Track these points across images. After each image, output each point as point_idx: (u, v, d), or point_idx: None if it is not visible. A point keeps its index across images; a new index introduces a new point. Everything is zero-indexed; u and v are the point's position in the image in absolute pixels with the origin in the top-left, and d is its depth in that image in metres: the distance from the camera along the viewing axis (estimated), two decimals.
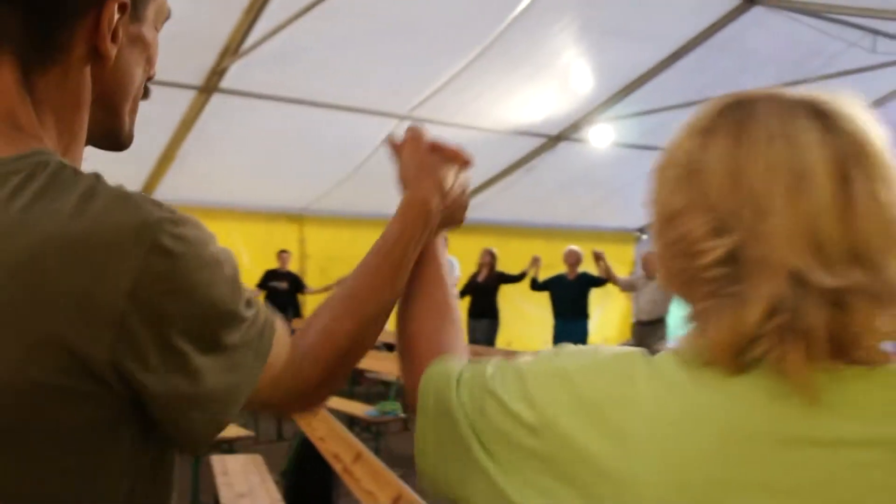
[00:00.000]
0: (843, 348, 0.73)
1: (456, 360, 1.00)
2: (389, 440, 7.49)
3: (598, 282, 9.99)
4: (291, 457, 5.67)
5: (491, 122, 9.77)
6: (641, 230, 14.78)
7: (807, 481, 0.70)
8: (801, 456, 0.71)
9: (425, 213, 1.13)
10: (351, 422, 6.84)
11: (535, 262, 10.27)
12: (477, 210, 13.08)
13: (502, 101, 9.28)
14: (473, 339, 10.42)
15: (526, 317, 11.71)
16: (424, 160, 1.18)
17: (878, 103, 11.54)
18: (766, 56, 9.71)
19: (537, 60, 8.53)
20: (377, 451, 6.38)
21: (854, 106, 0.84)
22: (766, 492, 0.70)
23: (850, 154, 0.76)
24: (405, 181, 1.18)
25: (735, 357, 0.74)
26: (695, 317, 0.81)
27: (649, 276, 9.73)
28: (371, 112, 9.23)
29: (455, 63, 8.53)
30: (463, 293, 10.75)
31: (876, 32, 9.12)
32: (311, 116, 8.88)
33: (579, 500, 0.75)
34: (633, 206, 13.51)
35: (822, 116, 0.79)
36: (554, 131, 10.50)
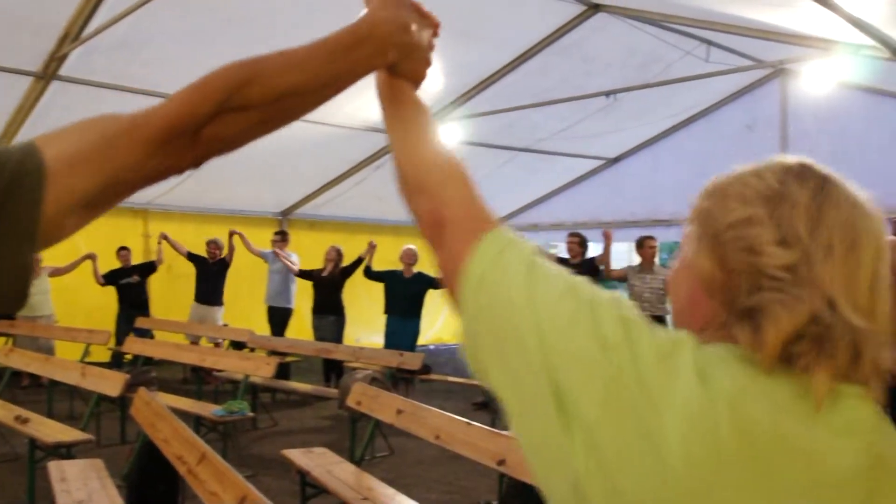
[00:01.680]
0: (850, 376, 0.89)
1: (516, 240, 1.03)
2: (238, 440, 7.37)
3: (434, 283, 9.94)
4: (134, 460, 5.50)
5: (341, 118, 9.73)
6: None
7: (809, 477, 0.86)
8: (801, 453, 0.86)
9: (378, 28, 1.14)
10: (197, 422, 6.68)
11: (371, 247, 10.21)
12: (325, 206, 13.05)
13: (353, 98, 9.24)
14: (320, 337, 10.36)
15: (366, 314, 11.77)
16: (395, 2, 1.19)
17: (711, 109, 12.20)
18: (608, 61, 10.09)
19: None
20: (225, 452, 6.26)
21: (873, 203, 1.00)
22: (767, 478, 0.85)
23: (879, 236, 0.96)
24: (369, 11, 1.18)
25: (780, 352, 0.87)
26: (743, 311, 0.92)
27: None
28: None
29: None
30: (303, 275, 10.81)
31: (710, 43, 9.64)
32: None
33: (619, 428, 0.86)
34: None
35: (869, 204, 0.98)
36: None
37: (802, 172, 0.97)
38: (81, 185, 0.94)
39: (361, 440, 6.28)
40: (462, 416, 4.74)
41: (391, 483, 5.04)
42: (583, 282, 0.97)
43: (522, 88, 10.04)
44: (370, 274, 10.14)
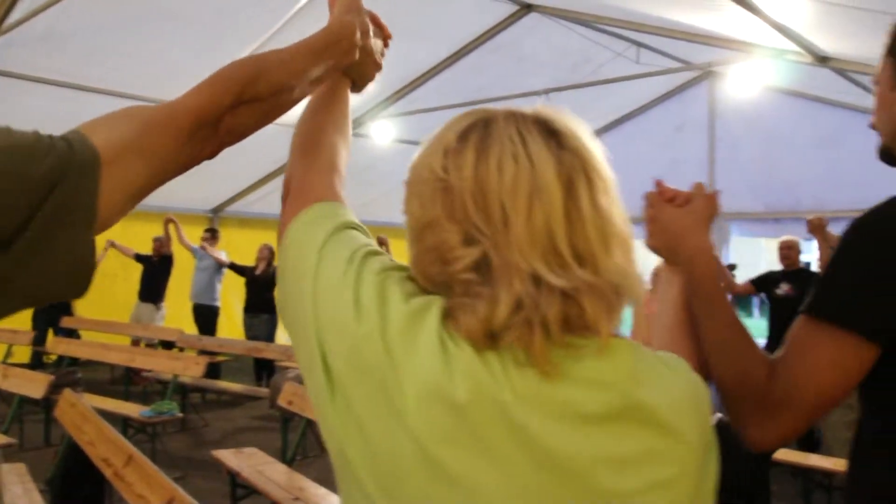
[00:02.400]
0: (581, 331, 0.88)
1: (340, 210, 1.07)
2: (167, 441, 7.25)
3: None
4: (58, 464, 5.36)
5: None
6: None
7: (536, 433, 0.86)
8: (533, 414, 0.86)
9: (347, 30, 1.25)
10: (125, 424, 6.55)
11: None
12: (257, 204, 12.92)
13: None
14: (252, 336, 10.24)
15: None
16: (354, 10, 1.30)
17: (642, 110, 12.39)
18: (540, 61, 10.17)
19: None
20: (153, 454, 6.15)
21: (578, 123, 0.97)
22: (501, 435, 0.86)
23: (576, 168, 0.90)
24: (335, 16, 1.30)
25: (487, 340, 0.87)
26: (451, 309, 0.90)
27: None
28: (144, 100, 8.87)
29: (233, 55, 8.33)
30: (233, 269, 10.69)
31: (640, 44, 9.78)
32: (82, 101, 8.40)
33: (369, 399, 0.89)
34: None
35: (554, 134, 0.93)
36: None
37: (458, 147, 0.92)
38: (132, 173, 0.97)
39: (293, 440, 6.23)
40: None
41: (323, 483, 5.00)
42: (367, 249, 0.99)
43: (456, 87, 10.05)
44: None
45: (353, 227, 1.05)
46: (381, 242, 9.94)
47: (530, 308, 0.85)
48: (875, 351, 1.22)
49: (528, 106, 0.99)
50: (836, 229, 9.78)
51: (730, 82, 10.18)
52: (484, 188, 0.88)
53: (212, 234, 10.96)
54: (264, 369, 10.10)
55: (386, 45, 1.42)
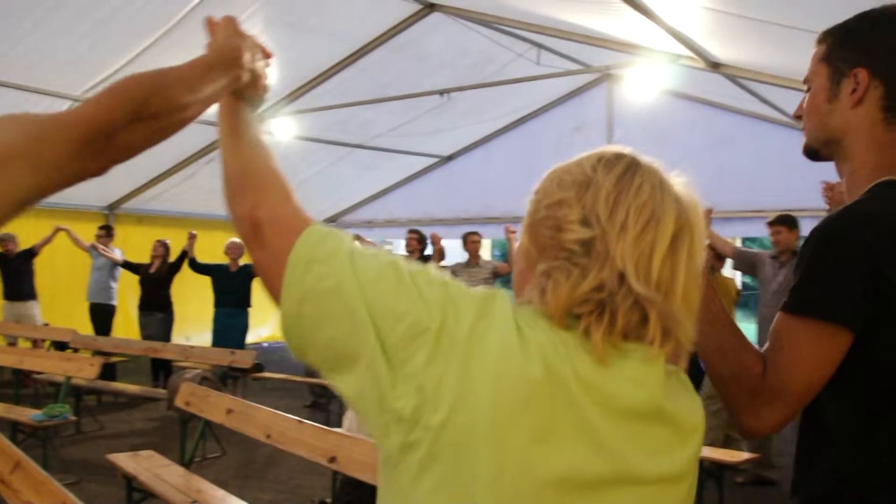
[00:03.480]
0: (636, 339, 1.03)
1: (334, 230, 1.11)
2: (60, 446, 7.03)
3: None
4: None
5: None
6: (331, 222, 14.96)
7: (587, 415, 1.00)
8: (588, 398, 1.00)
9: (236, 50, 1.28)
10: (14, 429, 6.32)
11: (191, 237, 9.87)
12: (154, 201, 12.62)
13: None
14: (147, 335, 9.99)
15: (195, 311, 11.46)
16: (239, 33, 1.34)
17: (542, 110, 12.58)
18: (442, 60, 10.23)
19: None
20: (45, 459, 5.96)
21: (692, 188, 1.14)
22: (566, 407, 0.99)
23: (689, 224, 1.08)
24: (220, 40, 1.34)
25: (564, 312, 1.01)
26: (541, 275, 1.05)
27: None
28: (41, 92, 8.60)
29: (134, 45, 8.16)
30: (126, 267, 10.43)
31: (541, 46, 9.93)
32: None
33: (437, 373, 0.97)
34: (315, 200, 13.63)
35: (682, 189, 1.12)
36: None
37: (612, 160, 1.11)
38: (19, 179, 0.94)
39: (192, 441, 6.11)
40: (295, 415, 4.70)
41: (223, 485, 4.94)
42: (398, 257, 1.07)
43: (358, 85, 10.03)
44: (196, 267, 9.84)
45: (354, 239, 1.11)
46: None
47: (608, 294, 1.01)
48: (850, 337, 1.38)
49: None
50: (727, 229, 10.11)
51: (627, 85, 10.43)
52: (620, 194, 1.05)
53: (106, 232, 10.65)
54: (162, 370, 9.88)
55: (268, 64, 1.43)
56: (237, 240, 9.70)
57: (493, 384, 0.96)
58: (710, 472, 5.42)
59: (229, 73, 1.25)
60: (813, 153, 1.64)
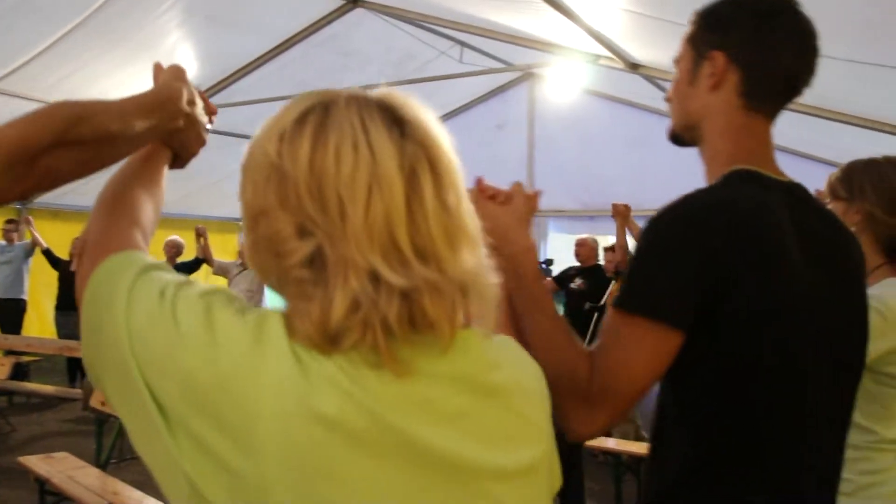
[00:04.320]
0: (426, 329, 0.85)
1: (141, 256, 0.97)
2: None
3: (193, 268, 9.60)
4: None
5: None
6: None
7: (406, 425, 0.84)
8: (400, 414, 0.83)
9: (174, 94, 1.23)
10: None
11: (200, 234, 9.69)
12: (70, 195, 12.21)
13: (101, 80, 8.75)
14: (64, 335, 9.70)
15: None
16: (182, 80, 1.28)
17: (464, 108, 12.63)
18: (366, 56, 10.18)
19: (139, 41, 8.17)
20: None
21: (426, 112, 0.92)
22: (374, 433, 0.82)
23: (420, 160, 0.86)
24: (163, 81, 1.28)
25: (329, 344, 0.82)
26: (289, 312, 0.86)
27: (245, 265, 9.81)
28: None
29: (48, 34, 7.91)
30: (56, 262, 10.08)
31: (463, 44, 9.97)
32: None
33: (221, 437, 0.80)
34: (236, 196, 13.45)
35: (399, 123, 0.88)
36: None
37: (294, 130, 0.88)
38: None
39: (108, 443, 5.98)
40: None
41: (141, 486, 4.84)
42: (180, 281, 0.91)
43: (280, 79, 9.91)
44: None
45: (159, 268, 0.95)
46: (200, 234, 9.64)
47: (369, 308, 0.81)
48: (681, 337, 1.32)
49: (374, 90, 0.93)
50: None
51: (548, 84, 10.54)
52: (320, 177, 0.83)
53: (15, 227, 10.31)
54: (79, 370, 9.62)
55: (211, 121, 1.39)
56: (176, 237, 9.53)
57: (280, 431, 0.79)
58: (628, 466, 5.52)
59: (163, 113, 1.21)
60: (676, 138, 1.63)
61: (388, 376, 0.83)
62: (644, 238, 1.38)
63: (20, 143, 0.98)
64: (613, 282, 7.53)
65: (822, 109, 7.15)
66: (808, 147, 8.84)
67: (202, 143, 1.36)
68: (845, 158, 2.48)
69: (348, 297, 0.81)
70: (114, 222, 1.06)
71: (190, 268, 9.53)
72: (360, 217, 0.82)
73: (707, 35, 1.51)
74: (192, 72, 9.48)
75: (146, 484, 5.52)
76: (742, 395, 1.36)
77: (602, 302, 7.38)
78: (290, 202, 0.84)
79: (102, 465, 5.50)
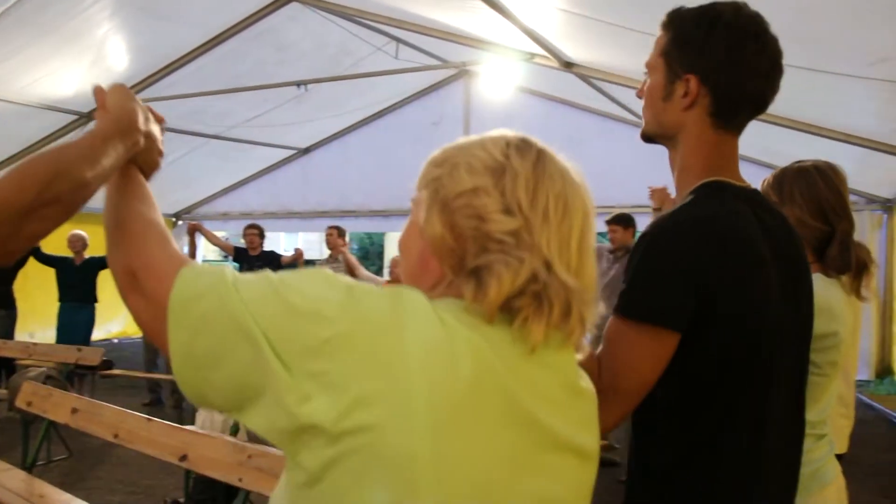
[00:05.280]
0: (563, 324, 1.05)
1: (212, 266, 1.07)
2: None
3: (104, 263, 9.35)
4: None
5: (14, 93, 8.94)
6: (178, 216, 14.56)
7: (523, 392, 1.01)
8: (516, 384, 1.01)
9: (131, 115, 1.26)
10: None
11: None
12: None
13: (27, 71, 8.54)
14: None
15: (41, 304, 10.85)
16: (132, 98, 1.31)
17: (400, 104, 12.63)
18: (301, 51, 10.11)
19: (69, 31, 7.99)
20: None
21: (581, 173, 1.15)
22: (506, 392, 0.99)
23: (588, 210, 1.11)
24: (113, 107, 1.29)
25: (501, 306, 1.01)
26: (472, 271, 1.03)
27: (192, 254, 9.77)
28: None
29: None
30: None
31: (399, 41, 9.97)
32: None
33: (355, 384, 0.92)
34: (169, 191, 13.24)
35: (579, 177, 1.14)
36: (86, 108, 9.91)
37: (522, 146, 1.11)
38: None
39: (34, 444, 5.83)
40: (146, 413, 4.55)
41: (69, 488, 4.74)
42: (285, 274, 1.03)
43: (214, 73, 9.79)
44: (40, 257, 9.37)
45: (230, 270, 1.06)
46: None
47: (542, 285, 1.02)
48: (677, 338, 1.47)
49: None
50: None
51: (484, 82, 10.59)
52: (538, 181, 1.07)
53: None
54: (4, 369, 9.35)
55: (161, 131, 1.40)
56: (79, 231, 9.31)
57: (426, 386, 0.93)
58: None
59: (127, 141, 1.23)
60: (649, 139, 1.74)
61: (518, 352, 1.02)
62: (640, 251, 1.51)
63: (10, 204, 1.00)
64: None
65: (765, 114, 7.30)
66: (750, 151, 9.05)
67: (162, 155, 1.38)
68: (780, 161, 2.62)
69: (531, 269, 1.02)
70: (157, 246, 1.13)
71: (105, 264, 9.32)
72: (556, 224, 1.05)
73: (681, 55, 1.59)
74: (124, 65, 9.32)
75: (75, 485, 5.42)
76: (719, 393, 1.50)
77: None
78: (506, 189, 1.05)
79: (28, 468, 5.36)
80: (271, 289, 0.98)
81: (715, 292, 1.45)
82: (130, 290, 1.10)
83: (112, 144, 1.18)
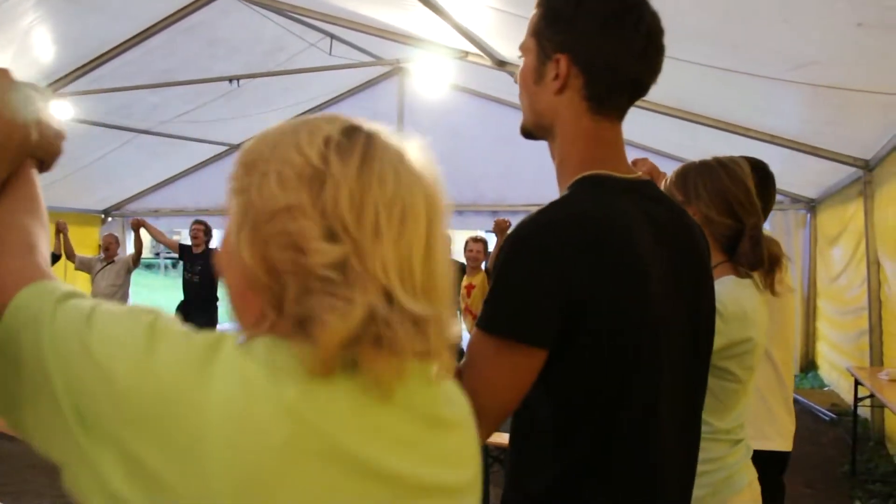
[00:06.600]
0: (423, 359, 0.89)
1: (56, 285, 0.93)
2: None
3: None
4: None
5: None
6: (107, 212, 14.27)
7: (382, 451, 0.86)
8: (360, 441, 0.85)
9: (23, 130, 1.07)
10: None
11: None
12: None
13: None
14: None
15: None
16: (11, 81, 1.09)
17: (334, 101, 12.57)
18: (233, 46, 9.98)
19: None
20: None
21: (431, 155, 0.96)
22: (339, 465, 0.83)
23: (433, 200, 0.92)
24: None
25: (336, 357, 0.83)
26: (294, 318, 0.85)
27: (109, 258, 9.52)
28: None
29: None
30: None
31: (333, 37, 9.92)
32: None
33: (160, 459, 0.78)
34: (97, 187, 12.97)
35: (420, 163, 0.93)
36: None
37: (344, 143, 0.89)
38: None
39: None
40: None
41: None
42: (104, 308, 0.89)
43: (144, 67, 9.61)
44: None
45: (77, 295, 0.92)
46: (60, 230, 9.27)
47: (382, 323, 0.83)
48: (544, 354, 1.33)
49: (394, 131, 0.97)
50: (516, 223, 10.75)
51: (418, 79, 10.61)
52: (364, 191, 0.86)
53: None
54: None
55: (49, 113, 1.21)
56: None
57: (228, 467, 0.78)
58: (495, 457, 5.63)
59: (11, 142, 1.07)
60: (528, 134, 1.60)
61: (371, 398, 0.86)
62: (502, 256, 1.36)
63: None
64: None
65: (684, 112, 7.46)
66: (672, 148, 9.22)
67: (62, 136, 1.20)
68: (700, 158, 2.58)
69: (365, 306, 0.82)
70: (9, 257, 0.98)
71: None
72: (393, 240, 0.85)
73: (550, 33, 1.45)
74: (50, 56, 9.09)
75: (2, 490, 5.27)
76: (598, 408, 1.37)
77: None
78: (326, 206, 0.85)
79: None
80: (78, 333, 0.84)
81: (584, 303, 1.30)
82: None
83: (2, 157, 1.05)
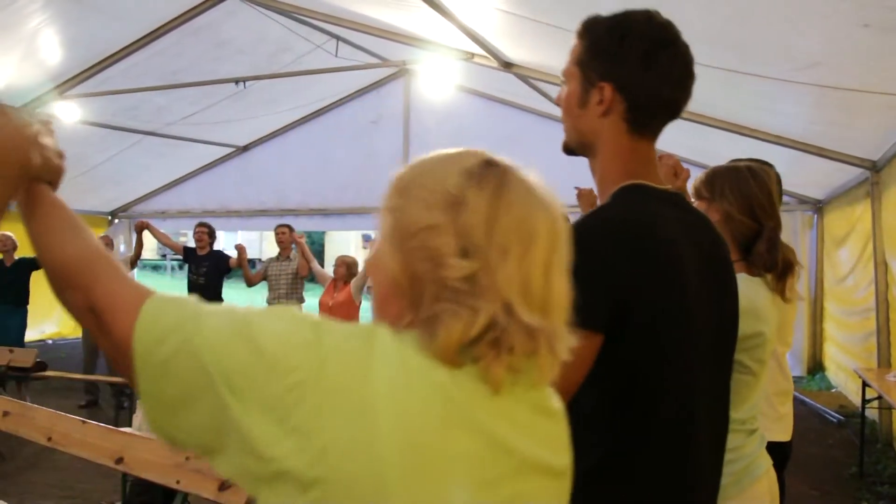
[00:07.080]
0: (535, 363, 1.01)
1: (175, 297, 1.05)
2: None
3: (36, 265, 9.08)
4: None
5: None
6: (114, 214, 14.30)
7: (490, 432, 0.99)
8: (487, 418, 0.99)
9: (21, 152, 1.11)
10: None
11: None
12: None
13: None
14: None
15: None
16: (5, 113, 1.14)
17: (340, 102, 12.57)
18: (239, 47, 10.01)
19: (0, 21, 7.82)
20: None
21: (549, 187, 1.09)
22: (472, 432, 0.97)
23: (554, 227, 1.05)
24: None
25: (456, 354, 0.97)
26: (425, 319, 0.99)
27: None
28: None
29: None
30: None
31: (339, 38, 9.92)
32: None
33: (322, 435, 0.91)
34: (104, 188, 12.99)
35: (547, 195, 1.07)
36: (17, 102, 9.66)
37: (483, 173, 1.04)
38: None
39: None
40: (80, 415, 4.47)
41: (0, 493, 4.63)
42: (244, 309, 1.01)
43: (151, 69, 9.64)
44: None
45: (195, 301, 1.04)
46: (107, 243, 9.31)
47: (500, 330, 0.96)
48: (601, 339, 1.47)
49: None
50: None
51: (423, 81, 10.61)
52: (495, 217, 0.99)
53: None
54: None
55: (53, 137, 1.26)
56: (8, 233, 9.07)
57: (395, 433, 0.91)
58: None
59: (19, 157, 1.10)
60: (570, 151, 1.77)
61: (485, 391, 0.98)
62: None
63: None
64: None
65: (691, 113, 7.44)
66: (680, 150, 9.19)
67: (62, 157, 1.23)
68: (716, 162, 2.74)
69: (488, 316, 0.96)
70: (113, 281, 1.08)
71: (36, 265, 9.11)
72: (516, 261, 0.98)
73: (595, 63, 1.61)
74: (56, 59, 9.12)
75: (6, 490, 5.29)
76: (639, 398, 1.51)
77: None
78: (462, 227, 0.99)
79: None
80: (236, 329, 0.97)
81: (629, 298, 1.46)
82: (99, 332, 1.06)
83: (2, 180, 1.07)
